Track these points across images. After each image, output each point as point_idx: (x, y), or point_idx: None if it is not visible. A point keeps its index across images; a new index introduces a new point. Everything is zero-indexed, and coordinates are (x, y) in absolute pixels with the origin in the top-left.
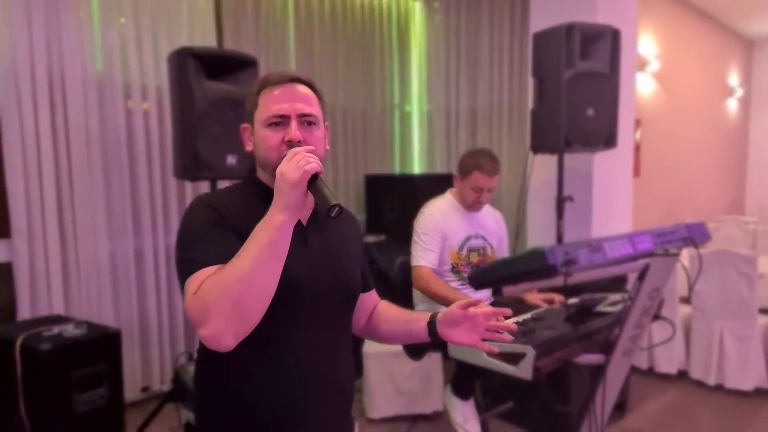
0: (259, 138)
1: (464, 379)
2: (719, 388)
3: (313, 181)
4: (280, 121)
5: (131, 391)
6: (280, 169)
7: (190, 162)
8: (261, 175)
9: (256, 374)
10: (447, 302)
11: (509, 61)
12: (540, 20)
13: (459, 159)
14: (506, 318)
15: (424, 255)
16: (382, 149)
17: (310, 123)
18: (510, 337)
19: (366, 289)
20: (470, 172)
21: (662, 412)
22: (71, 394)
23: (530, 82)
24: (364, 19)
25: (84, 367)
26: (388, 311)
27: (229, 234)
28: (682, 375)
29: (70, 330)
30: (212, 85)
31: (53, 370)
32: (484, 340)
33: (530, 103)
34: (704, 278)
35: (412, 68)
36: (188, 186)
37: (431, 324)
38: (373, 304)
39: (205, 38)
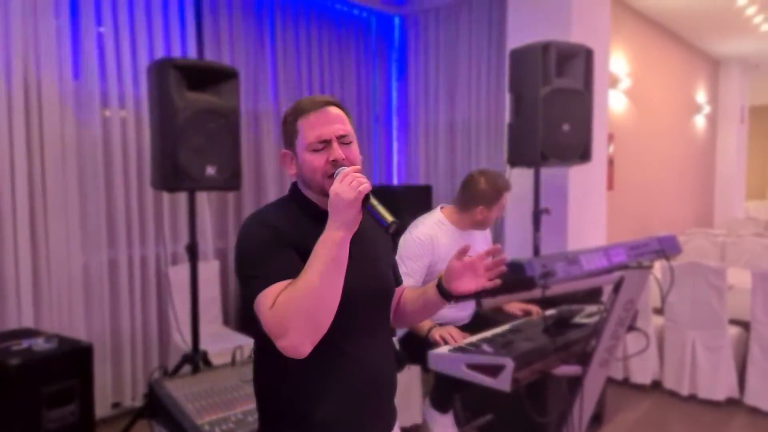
0: (304, 162)
1: (443, 391)
2: (692, 398)
3: (366, 200)
4: (324, 146)
5: (102, 408)
6: (334, 189)
7: (170, 173)
8: (307, 193)
9: (316, 377)
10: (415, 329)
11: (486, 76)
12: (516, 37)
13: (473, 193)
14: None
15: (405, 281)
16: (362, 160)
17: (348, 142)
18: (504, 268)
19: (397, 284)
20: (501, 194)
21: (637, 422)
22: (41, 410)
23: (507, 97)
24: (343, 32)
25: (54, 383)
26: (407, 294)
27: (288, 249)
28: (656, 385)
29: (40, 344)
30: (193, 96)
31: (22, 386)
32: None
33: (507, 118)
34: (676, 290)
35: (391, 81)
36: (166, 197)
37: (439, 285)
38: (400, 294)
39: (184, 49)
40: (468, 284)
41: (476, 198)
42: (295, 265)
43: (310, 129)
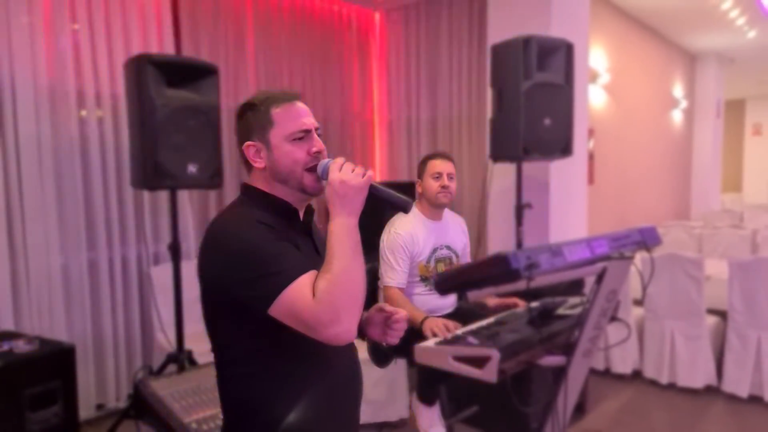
0: (284, 153)
1: (429, 384)
2: (672, 386)
3: (371, 186)
4: (304, 136)
5: (85, 409)
6: (339, 177)
7: (150, 171)
8: (276, 190)
9: (292, 383)
10: (409, 322)
11: (468, 72)
12: (497, 33)
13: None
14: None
15: (393, 275)
16: (344, 158)
17: (320, 134)
18: (400, 333)
19: None
20: (424, 164)
21: (619, 411)
22: (23, 413)
23: (489, 92)
24: (324, 28)
25: (36, 385)
26: None
27: (289, 244)
28: (637, 374)
29: (21, 346)
30: (172, 92)
31: (4, 389)
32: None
33: (489, 113)
34: (655, 281)
35: (373, 77)
36: (146, 196)
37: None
38: None
39: (161, 45)
40: (376, 333)
41: (417, 174)
42: (303, 258)
43: (290, 119)
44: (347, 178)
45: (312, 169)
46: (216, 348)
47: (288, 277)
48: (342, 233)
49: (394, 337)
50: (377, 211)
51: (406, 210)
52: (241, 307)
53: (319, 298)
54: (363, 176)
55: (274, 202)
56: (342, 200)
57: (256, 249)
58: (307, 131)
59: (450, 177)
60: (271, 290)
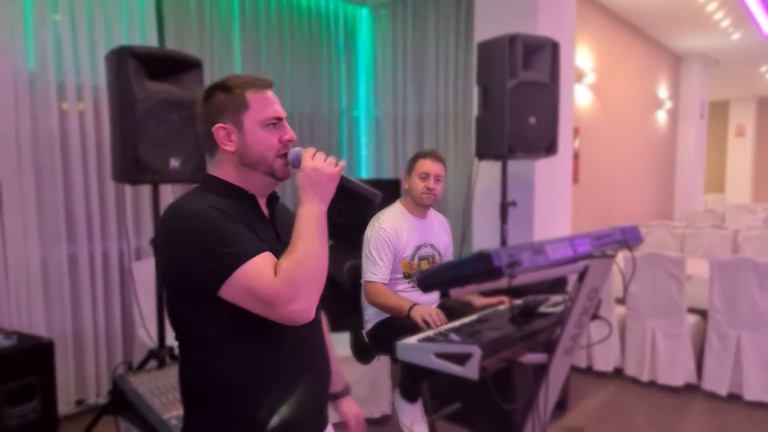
0: (257, 138)
1: (411, 381)
2: (652, 384)
3: (342, 177)
4: (276, 123)
5: (65, 404)
6: (312, 165)
7: (131, 165)
8: (243, 174)
9: (265, 367)
10: (396, 311)
11: (454, 69)
12: (484, 31)
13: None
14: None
15: (375, 270)
16: (330, 154)
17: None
18: None
19: None
20: (414, 162)
21: (600, 408)
22: (1, 408)
23: (475, 90)
24: (311, 24)
25: (14, 380)
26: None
27: (243, 227)
28: (618, 372)
29: None
30: (154, 86)
31: None
32: None
33: (475, 111)
34: (637, 280)
35: (360, 74)
36: (128, 189)
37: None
38: None
39: (145, 38)
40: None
41: (405, 170)
42: (257, 240)
43: (266, 104)
44: (320, 165)
45: (283, 156)
46: (177, 333)
47: (242, 257)
48: (310, 218)
49: None
50: (360, 207)
51: (374, 202)
52: (195, 288)
53: (281, 276)
54: (335, 166)
55: (230, 188)
56: (314, 187)
57: (206, 230)
58: (279, 119)
59: (437, 179)
60: (224, 270)
